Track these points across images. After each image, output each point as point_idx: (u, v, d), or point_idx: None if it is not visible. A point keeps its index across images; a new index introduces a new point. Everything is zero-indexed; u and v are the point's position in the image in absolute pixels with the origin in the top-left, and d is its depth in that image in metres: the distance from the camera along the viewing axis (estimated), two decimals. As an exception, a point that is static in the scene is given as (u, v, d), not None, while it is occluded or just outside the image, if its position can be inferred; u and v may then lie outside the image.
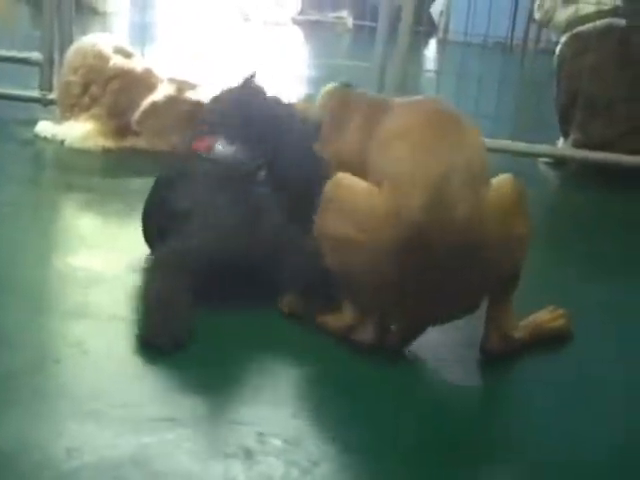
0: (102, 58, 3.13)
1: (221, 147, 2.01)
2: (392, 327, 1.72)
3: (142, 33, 4.18)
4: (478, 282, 1.65)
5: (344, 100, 2.00)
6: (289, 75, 5.04)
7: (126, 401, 1.46)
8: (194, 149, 2.02)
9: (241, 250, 1.82)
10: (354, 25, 8.32)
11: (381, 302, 1.67)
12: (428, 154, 1.62)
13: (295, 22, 8.88)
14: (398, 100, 1.87)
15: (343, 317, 1.74)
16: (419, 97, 1.89)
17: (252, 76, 2.17)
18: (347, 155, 1.84)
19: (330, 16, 8.94)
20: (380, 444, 1.43)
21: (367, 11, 4.31)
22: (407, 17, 3.46)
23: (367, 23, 3.90)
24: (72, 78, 3.14)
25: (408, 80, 3.52)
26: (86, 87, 3.12)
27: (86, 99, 3.11)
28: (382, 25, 3.45)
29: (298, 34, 8.38)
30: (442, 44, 7.87)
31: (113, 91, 3.08)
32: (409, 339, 1.72)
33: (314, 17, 8.97)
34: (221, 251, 1.81)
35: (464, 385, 1.68)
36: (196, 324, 1.72)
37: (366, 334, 1.72)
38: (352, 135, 1.86)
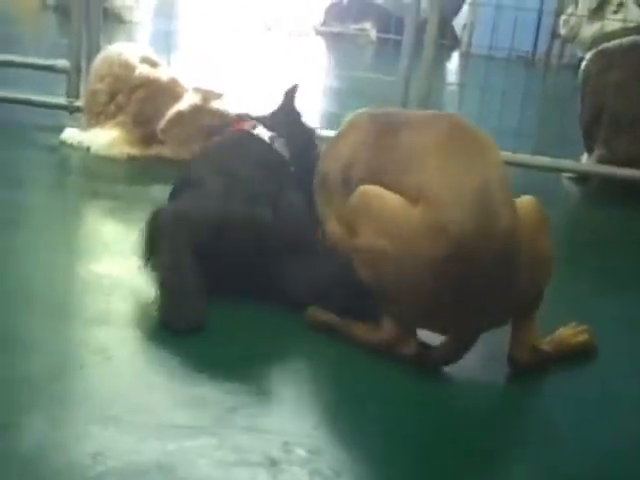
0: (128, 67, 3.16)
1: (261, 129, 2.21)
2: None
3: (167, 42, 4.20)
4: (513, 293, 1.66)
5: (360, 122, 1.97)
6: (311, 86, 5.06)
7: (149, 407, 1.47)
8: (237, 127, 2.22)
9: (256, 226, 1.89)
10: (377, 37, 8.33)
11: (423, 315, 1.68)
12: (462, 168, 1.66)
13: (318, 33, 8.90)
14: (413, 115, 1.88)
15: (381, 332, 1.74)
16: (436, 112, 1.91)
17: (294, 89, 2.38)
18: (357, 171, 1.83)
19: (352, 28, 8.96)
20: (400, 452, 1.43)
21: (391, 24, 4.30)
22: (432, 30, 3.47)
23: (391, 36, 3.89)
24: (99, 86, 3.18)
25: (432, 93, 3.53)
26: (112, 95, 3.15)
27: (112, 107, 3.14)
28: (408, 38, 3.46)
29: (320, 45, 8.41)
30: (465, 57, 7.88)
31: (139, 100, 3.11)
32: (456, 354, 1.70)
33: (336, 28, 8.99)
34: (229, 218, 1.87)
35: (485, 396, 1.69)
36: (217, 329, 1.73)
37: (408, 348, 1.72)
38: (361, 152, 1.86)
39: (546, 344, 1.81)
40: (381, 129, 1.84)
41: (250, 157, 2.08)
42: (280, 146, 2.20)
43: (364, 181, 1.76)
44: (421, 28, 3.53)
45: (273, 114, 2.32)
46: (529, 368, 1.76)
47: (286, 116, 2.30)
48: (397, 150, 1.75)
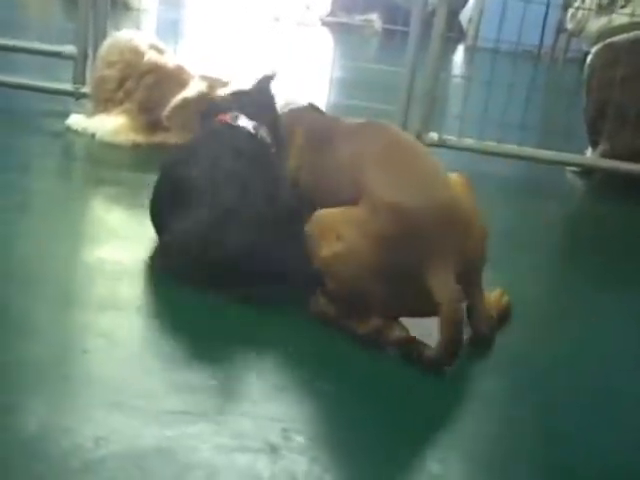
0: (138, 53, 3.15)
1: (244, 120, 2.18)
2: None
3: (174, 30, 4.19)
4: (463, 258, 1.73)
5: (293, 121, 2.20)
6: (316, 76, 5.05)
7: (151, 393, 1.47)
8: (220, 120, 2.17)
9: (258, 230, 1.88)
10: (383, 29, 8.32)
11: (392, 298, 1.72)
12: (398, 162, 1.80)
13: (324, 24, 8.90)
14: (344, 125, 2.04)
15: (369, 322, 1.76)
16: (365, 121, 2.03)
17: (270, 76, 2.39)
18: (303, 174, 2.05)
19: (358, 19, 8.95)
20: (399, 440, 1.44)
21: (399, 15, 4.29)
22: (440, 22, 3.47)
23: (397, 27, 3.88)
24: (108, 72, 3.17)
25: (437, 85, 3.53)
26: (122, 82, 3.14)
27: (120, 94, 3.14)
28: (414, 29, 3.46)
29: (326, 36, 8.40)
30: (471, 50, 7.86)
31: (146, 86, 3.10)
32: (448, 353, 1.69)
33: (343, 19, 8.98)
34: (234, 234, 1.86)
35: (483, 392, 1.69)
36: (220, 317, 1.73)
37: (394, 333, 1.74)
38: (304, 157, 2.07)
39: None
40: (318, 136, 2.04)
41: (234, 149, 2.04)
42: (264, 134, 2.17)
43: (308, 182, 1.99)
44: (428, 20, 3.53)
45: (241, 93, 2.34)
46: (491, 338, 1.83)
47: (258, 97, 2.30)
48: (335, 154, 1.92)
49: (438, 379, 1.68)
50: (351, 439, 1.43)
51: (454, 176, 1.86)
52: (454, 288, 1.65)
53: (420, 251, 1.66)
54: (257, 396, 1.52)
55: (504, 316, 1.96)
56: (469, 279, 1.77)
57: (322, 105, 4.06)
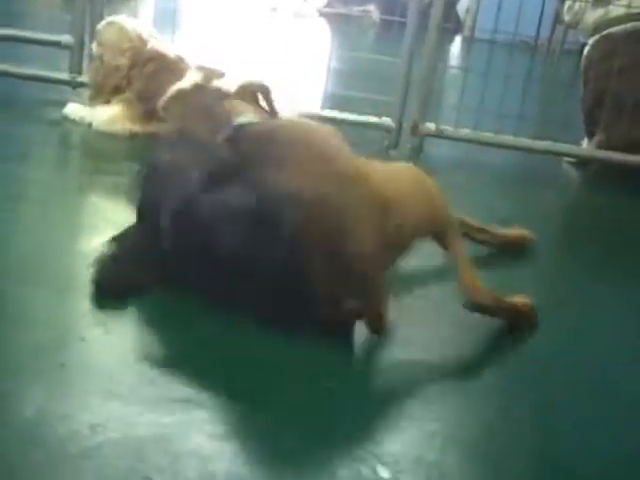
0: (143, 40, 3.13)
1: None
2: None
3: (171, 19, 4.19)
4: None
5: None
6: (313, 66, 5.05)
7: (147, 380, 1.47)
8: None
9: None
10: (380, 19, 8.30)
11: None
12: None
13: (321, 14, 8.88)
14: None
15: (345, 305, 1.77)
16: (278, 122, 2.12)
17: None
18: None
19: (356, 10, 8.93)
20: (392, 431, 1.45)
21: (396, 6, 4.29)
22: (437, 13, 3.47)
23: (394, 18, 3.88)
24: (122, 61, 3.13)
25: (434, 76, 3.53)
26: (130, 70, 3.11)
27: (124, 82, 3.11)
28: (412, 20, 3.45)
29: (324, 26, 8.38)
30: (468, 41, 7.85)
31: (147, 74, 3.08)
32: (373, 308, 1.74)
33: (340, 10, 8.96)
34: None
35: (480, 388, 1.69)
36: (213, 311, 1.74)
37: (342, 308, 1.76)
38: None
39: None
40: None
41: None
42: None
43: None
44: (425, 11, 3.53)
45: None
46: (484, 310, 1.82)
47: None
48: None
49: (436, 370, 1.69)
50: (349, 431, 1.43)
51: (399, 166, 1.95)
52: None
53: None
54: (255, 384, 1.52)
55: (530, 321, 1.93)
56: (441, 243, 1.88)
57: (319, 96, 4.07)
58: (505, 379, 1.71)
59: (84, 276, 1.86)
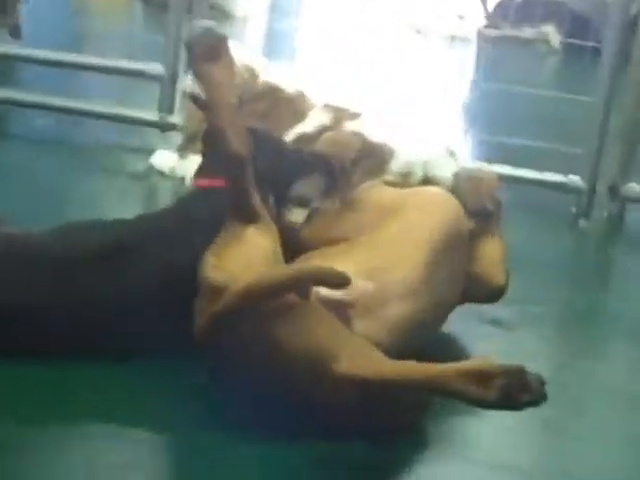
0: (252, 72, 3.21)
1: None
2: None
3: (286, 44, 4.31)
4: None
5: None
6: (471, 106, 5.08)
7: None
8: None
9: None
10: (563, 44, 8.29)
11: None
12: None
13: (481, 37, 8.94)
14: None
15: None
16: None
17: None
18: None
19: (529, 31, 8.96)
20: None
21: (588, 26, 4.30)
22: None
23: (585, 42, 3.89)
24: None
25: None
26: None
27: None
28: (610, 45, 3.44)
29: (484, 53, 8.43)
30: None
31: (258, 115, 3.14)
32: None
33: (507, 31, 9.01)
34: None
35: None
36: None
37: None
38: None
39: None
40: None
41: None
42: None
43: None
44: (629, 32, 3.50)
45: None
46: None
47: None
48: None
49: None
50: None
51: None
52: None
53: None
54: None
55: None
56: None
57: (481, 145, 4.08)
58: None
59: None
